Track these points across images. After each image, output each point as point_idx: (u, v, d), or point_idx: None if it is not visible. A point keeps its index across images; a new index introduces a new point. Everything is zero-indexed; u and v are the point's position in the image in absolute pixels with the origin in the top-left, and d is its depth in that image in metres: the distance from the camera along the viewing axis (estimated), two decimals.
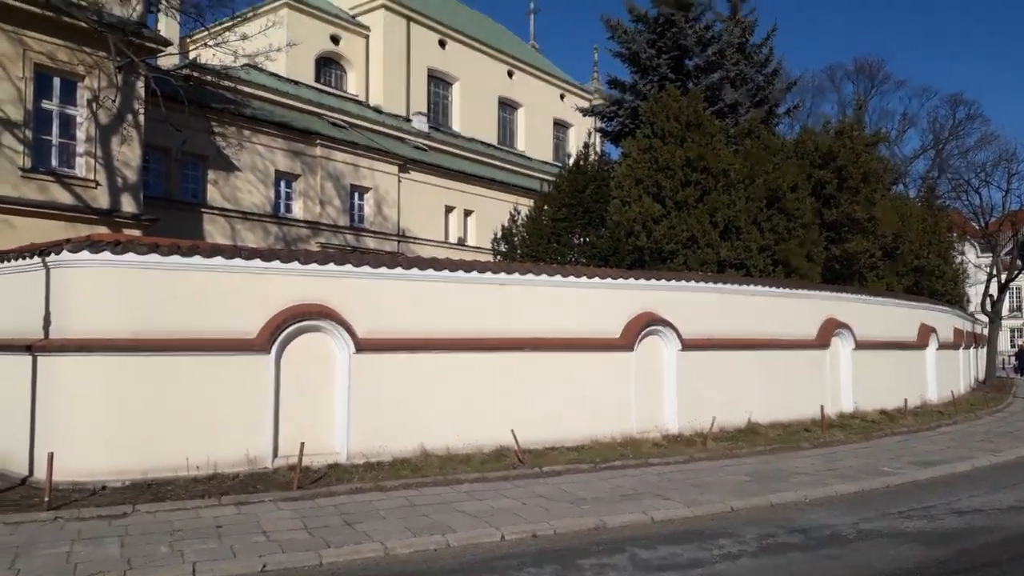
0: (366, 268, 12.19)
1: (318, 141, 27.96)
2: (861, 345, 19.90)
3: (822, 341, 19.02)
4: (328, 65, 37.19)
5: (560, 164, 37.05)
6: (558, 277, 14.19)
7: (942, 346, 24.63)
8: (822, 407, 16.85)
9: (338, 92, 36.11)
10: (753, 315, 17.31)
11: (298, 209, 27.46)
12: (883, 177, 26.13)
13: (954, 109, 42.20)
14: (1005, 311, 53.67)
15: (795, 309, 18.51)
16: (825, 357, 19.11)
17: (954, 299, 31.04)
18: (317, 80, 35.61)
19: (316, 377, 11.68)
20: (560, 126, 48.27)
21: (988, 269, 38.62)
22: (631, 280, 15.33)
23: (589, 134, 28.63)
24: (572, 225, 21.63)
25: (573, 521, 9.11)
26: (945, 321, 26.28)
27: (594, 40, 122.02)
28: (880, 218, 23.76)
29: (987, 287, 38.78)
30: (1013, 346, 44.85)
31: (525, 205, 25.56)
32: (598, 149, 24.82)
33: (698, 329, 15.97)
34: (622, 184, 20.34)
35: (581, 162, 22.92)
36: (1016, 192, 37.86)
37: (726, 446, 14.53)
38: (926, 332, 23.52)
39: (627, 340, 14.83)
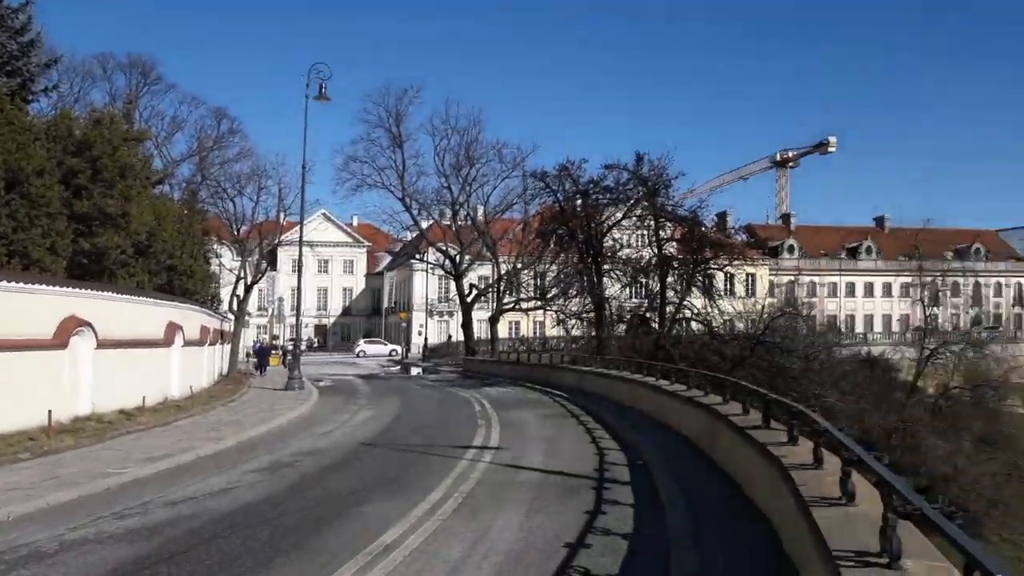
0: None
1: None
2: (104, 344, 19.29)
3: (60, 341, 17.75)
4: None
5: None
6: None
7: (188, 343, 25.77)
8: (50, 412, 15.70)
9: None
10: None
11: None
12: (141, 174, 26.07)
13: (219, 121, 44.71)
14: (253, 310, 59.98)
15: (29, 306, 16.81)
16: (63, 358, 17.89)
17: (205, 298, 33.01)
18: None
19: None
20: None
21: (237, 272, 42.40)
22: None
23: None
24: None
25: None
26: (194, 319, 27.60)
27: None
28: (134, 215, 23.57)
29: (235, 288, 42.54)
30: (257, 342, 50.29)
31: None
32: None
33: None
34: None
35: None
36: (263, 205, 42.32)
37: None
38: (173, 330, 24.27)
39: None
